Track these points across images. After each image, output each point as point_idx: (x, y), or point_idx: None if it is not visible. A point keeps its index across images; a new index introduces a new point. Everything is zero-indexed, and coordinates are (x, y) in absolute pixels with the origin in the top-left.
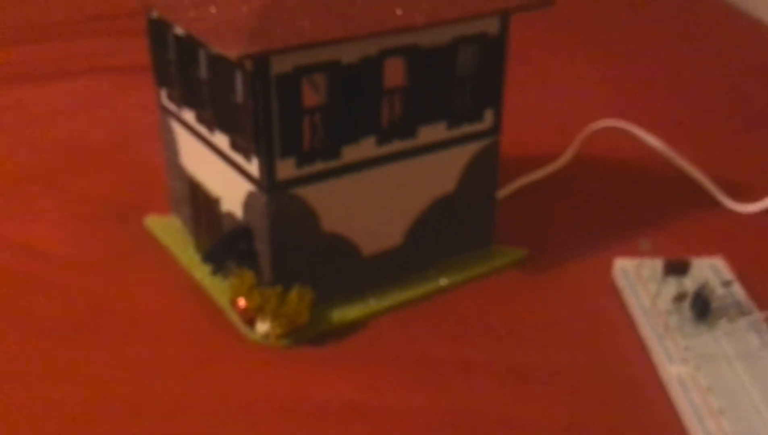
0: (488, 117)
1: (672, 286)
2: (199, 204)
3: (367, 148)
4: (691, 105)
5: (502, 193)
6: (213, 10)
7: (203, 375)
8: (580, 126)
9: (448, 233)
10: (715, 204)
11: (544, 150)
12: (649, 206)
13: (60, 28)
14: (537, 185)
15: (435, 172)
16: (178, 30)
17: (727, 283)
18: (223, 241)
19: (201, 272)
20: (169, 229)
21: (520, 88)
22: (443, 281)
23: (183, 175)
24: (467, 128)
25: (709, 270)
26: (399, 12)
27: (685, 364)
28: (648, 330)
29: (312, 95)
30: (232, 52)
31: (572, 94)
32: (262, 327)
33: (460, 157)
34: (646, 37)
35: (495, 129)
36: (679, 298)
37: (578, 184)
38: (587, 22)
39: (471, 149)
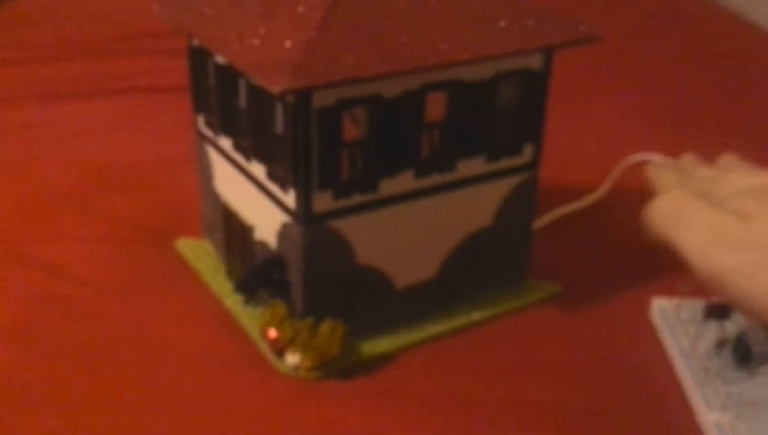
0: (528, 151)
1: (713, 329)
2: (232, 231)
3: (405, 181)
4: (731, 137)
5: (536, 225)
6: (257, 42)
7: (232, 406)
8: (616, 159)
9: (482, 267)
10: None
11: (579, 182)
12: None
13: (96, 46)
14: (572, 218)
15: (472, 206)
16: (220, 59)
17: None
18: (256, 271)
19: (231, 299)
20: (200, 254)
21: (554, 119)
22: (476, 315)
23: (217, 201)
24: (506, 162)
25: None
26: (444, 46)
27: (724, 411)
28: (687, 374)
29: (351, 127)
30: (275, 87)
31: (608, 126)
32: (293, 359)
33: (497, 191)
34: (686, 66)
35: (534, 163)
36: (721, 344)
37: (614, 219)
38: (624, 54)
39: (509, 183)
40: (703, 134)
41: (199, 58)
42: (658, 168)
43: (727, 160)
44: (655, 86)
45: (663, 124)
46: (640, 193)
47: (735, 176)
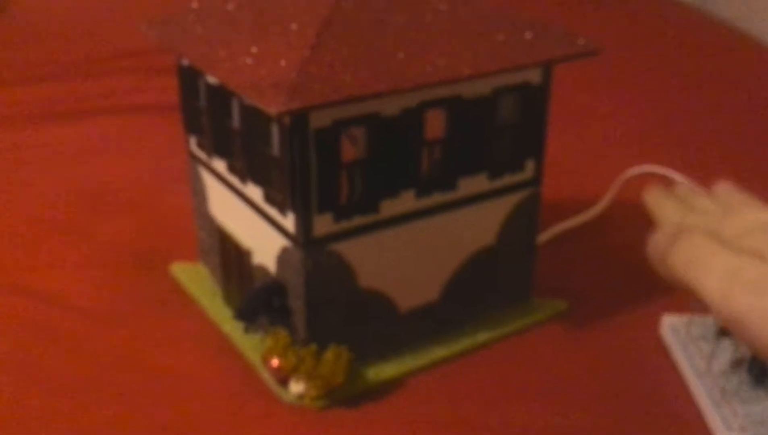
0: (529, 167)
1: (727, 347)
2: (228, 255)
3: (406, 201)
4: (730, 148)
5: (539, 241)
6: (250, 61)
7: None
8: (616, 172)
9: (486, 286)
10: None
11: (579, 196)
12: None
13: (86, 65)
14: (574, 232)
15: (475, 225)
16: (211, 79)
17: None
18: (257, 297)
19: (230, 326)
20: (196, 278)
21: (554, 131)
22: (481, 337)
23: (212, 225)
24: (508, 179)
25: None
26: (442, 63)
27: (743, 432)
28: (703, 394)
29: (350, 148)
30: (271, 109)
31: (606, 138)
32: (297, 387)
33: (500, 209)
34: (683, 79)
35: (536, 179)
36: (737, 363)
37: (617, 232)
38: (621, 64)
39: (512, 200)
40: (700, 146)
41: (189, 77)
42: (657, 196)
43: (724, 188)
44: (654, 99)
45: (662, 137)
46: (642, 206)
47: (742, 214)
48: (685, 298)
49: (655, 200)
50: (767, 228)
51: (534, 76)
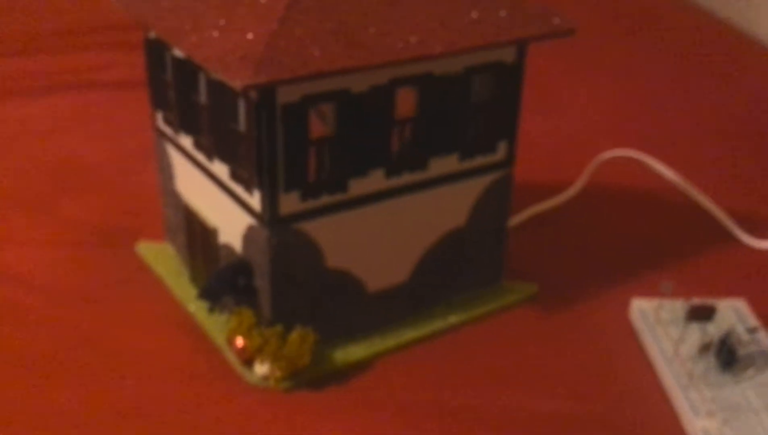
0: (501, 148)
1: (695, 331)
2: (194, 234)
3: (375, 180)
4: (704, 134)
5: (510, 224)
6: (216, 34)
7: (197, 419)
8: (590, 155)
9: (456, 269)
10: (731, 238)
11: (552, 179)
12: (663, 240)
13: (48, 40)
14: (546, 216)
15: (445, 206)
16: (178, 52)
17: (753, 330)
18: (221, 276)
19: (195, 305)
20: (162, 257)
21: (525, 114)
22: (452, 319)
23: (178, 203)
24: (480, 160)
25: (733, 314)
26: (414, 39)
27: (711, 417)
28: (670, 379)
29: (318, 125)
30: (236, 82)
31: (581, 122)
32: (261, 369)
33: (471, 190)
34: (659, 64)
35: (508, 161)
36: (705, 348)
37: (589, 216)
38: (598, 48)
39: (483, 182)
40: (676, 132)
41: (156, 51)
42: None
43: None
44: (629, 82)
45: (638, 121)
46: (615, 190)
47: None
48: (655, 283)
49: None
50: None
51: (508, 55)
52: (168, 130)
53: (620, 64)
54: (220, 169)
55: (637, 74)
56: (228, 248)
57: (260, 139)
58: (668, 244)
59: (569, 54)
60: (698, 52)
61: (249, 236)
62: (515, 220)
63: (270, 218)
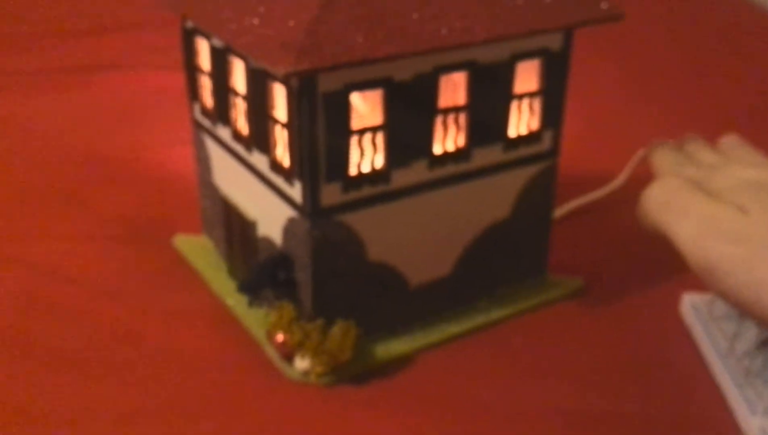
0: (547, 138)
1: (751, 327)
2: (233, 226)
3: (418, 172)
4: (747, 122)
5: (555, 215)
6: (256, 21)
7: (236, 415)
8: (635, 146)
9: (500, 262)
10: None
11: (597, 170)
12: None
13: (80, 30)
14: (590, 209)
15: (489, 198)
16: (216, 41)
17: None
18: (261, 270)
19: (234, 299)
20: (199, 251)
21: (574, 102)
22: (494, 314)
23: (216, 195)
24: (524, 150)
25: None
26: (458, 25)
27: (767, 415)
28: (726, 376)
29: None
30: (278, 69)
31: (629, 113)
32: (302, 364)
33: (515, 181)
34: (703, 55)
35: (553, 151)
36: (762, 344)
37: (634, 208)
38: (643, 36)
39: (527, 173)
40: (719, 120)
41: (194, 40)
42: (660, 149)
43: (730, 140)
44: (671, 70)
45: (686, 114)
46: None
47: (735, 168)
48: None
49: (657, 153)
50: (750, 184)
51: (554, 42)
52: (205, 121)
53: (663, 53)
54: (260, 160)
55: (679, 63)
56: (267, 241)
57: (301, 129)
58: None
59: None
60: (744, 40)
61: (289, 228)
62: (559, 212)
63: (311, 210)
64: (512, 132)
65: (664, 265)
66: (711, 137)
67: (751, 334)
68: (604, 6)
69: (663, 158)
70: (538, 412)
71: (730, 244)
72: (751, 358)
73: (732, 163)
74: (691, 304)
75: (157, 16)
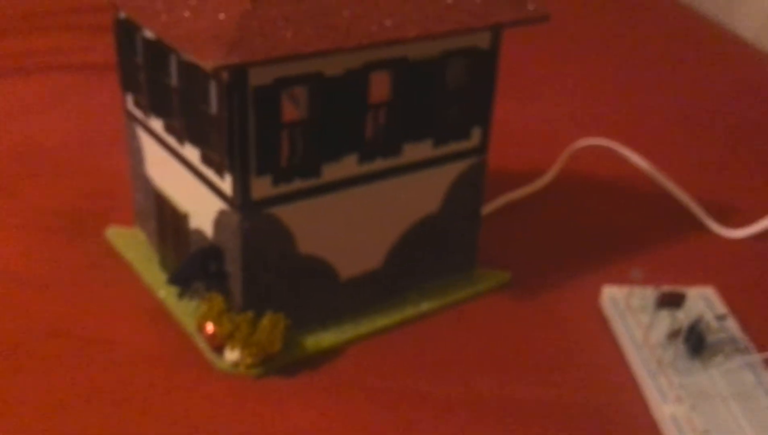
0: (476, 135)
1: (665, 318)
2: (165, 218)
3: (348, 166)
4: (676, 125)
5: (484, 211)
6: (187, 14)
7: (166, 405)
8: (564, 143)
9: (430, 256)
10: (702, 228)
11: (525, 167)
12: (635, 229)
13: (16, 22)
14: (519, 204)
15: (418, 192)
16: (148, 33)
17: (721, 317)
18: (192, 262)
19: (165, 292)
20: (132, 243)
21: (500, 100)
22: (424, 306)
23: (148, 187)
24: (453, 146)
25: (702, 301)
26: (388, 23)
27: (679, 403)
28: (640, 365)
29: (291, 109)
30: (207, 63)
31: (555, 110)
32: (232, 355)
33: (445, 177)
34: (633, 54)
35: (482, 147)
36: (674, 334)
37: (562, 204)
38: (573, 36)
39: (456, 168)
40: (649, 120)
41: (126, 32)
42: None
43: None
44: (605, 69)
45: (614, 111)
46: (587, 178)
47: None
48: (625, 271)
49: None
50: None
51: (483, 41)
52: (138, 113)
53: (595, 53)
54: (192, 152)
55: (611, 63)
56: (199, 233)
57: (231, 122)
58: (639, 232)
59: (545, 41)
60: (673, 43)
61: (220, 221)
62: (488, 207)
63: (241, 202)
64: (442, 128)
65: (587, 259)
66: (644, 137)
67: (663, 325)
68: (531, 6)
69: None
70: (462, 400)
71: None
72: (663, 348)
73: None
74: (610, 297)
75: (96, 2)
